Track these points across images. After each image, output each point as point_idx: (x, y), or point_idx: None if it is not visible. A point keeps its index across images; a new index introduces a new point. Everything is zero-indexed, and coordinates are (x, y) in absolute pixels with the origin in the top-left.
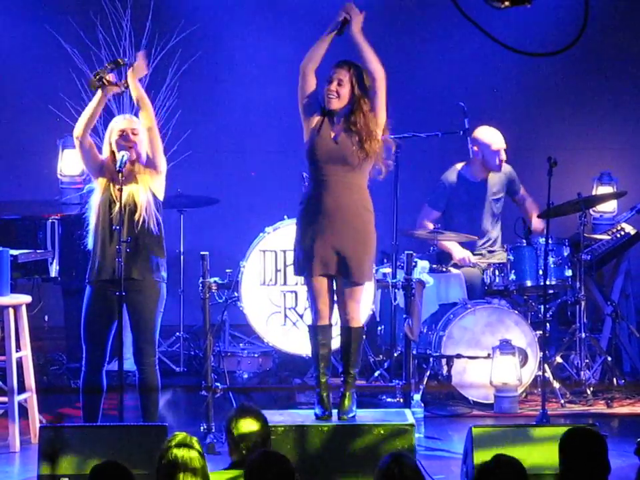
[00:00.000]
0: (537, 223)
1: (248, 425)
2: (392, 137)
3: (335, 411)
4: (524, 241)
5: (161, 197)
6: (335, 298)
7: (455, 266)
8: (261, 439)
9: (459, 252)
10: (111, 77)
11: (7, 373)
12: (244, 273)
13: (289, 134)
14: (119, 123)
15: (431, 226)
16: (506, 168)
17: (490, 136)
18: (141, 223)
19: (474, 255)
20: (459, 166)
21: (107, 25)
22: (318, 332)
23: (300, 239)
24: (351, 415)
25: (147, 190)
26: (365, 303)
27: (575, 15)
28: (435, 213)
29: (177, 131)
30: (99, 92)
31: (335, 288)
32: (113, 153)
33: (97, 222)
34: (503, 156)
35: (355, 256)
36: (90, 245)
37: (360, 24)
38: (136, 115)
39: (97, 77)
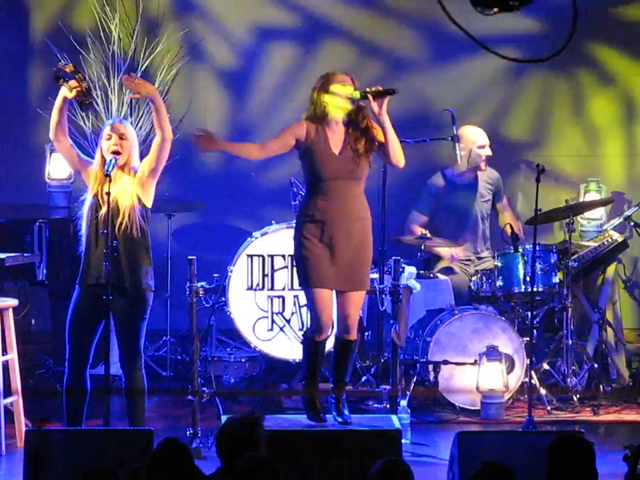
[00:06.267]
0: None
1: (237, 430)
2: None
3: (329, 416)
4: (512, 247)
5: (148, 203)
6: (336, 310)
7: (443, 271)
8: (250, 443)
9: (446, 250)
10: (68, 68)
11: None
12: (231, 277)
13: None
14: (107, 127)
15: (419, 231)
16: (493, 173)
17: (473, 133)
18: (123, 227)
19: (462, 260)
20: (446, 170)
21: (95, 29)
22: (319, 346)
23: (307, 251)
24: (349, 419)
25: (132, 195)
26: None
27: (563, 20)
28: (423, 218)
29: None
30: (61, 90)
31: (338, 300)
32: (103, 157)
33: (86, 226)
34: (489, 151)
35: (363, 265)
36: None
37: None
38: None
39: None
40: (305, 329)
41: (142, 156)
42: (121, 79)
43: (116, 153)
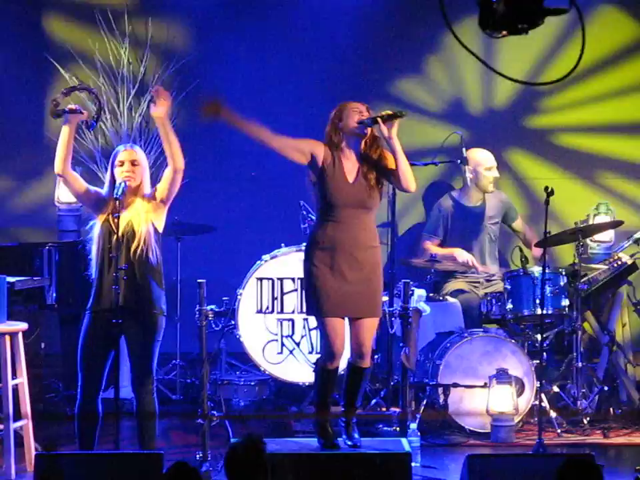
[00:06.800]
0: (535, 252)
1: (245, 455)
2: None
3: (339, 440)
4: (521, 270)
5: (160, 229)
6: (350, 338)
7: (453, 292)
8: (259, 469)
9: (461, 254)
10: (70, 103)
11: (3, 400)
12: (241, 300)
13: (286, 162)
14: (119, 153)
15: (431, 249)
16: (502, 195)
17: (481, 155)
18: (139, 252)
19: (471, 283)
20: (454, 192)
21: (105, 53)
22: (331, 374)
23: (317, 280)
24: (359, 442)
25: (147, 220)
26: None
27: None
28: (435, 240)
29: None
30: (66, 119)
31: (351, 327)
32: (114, 182)
33: (97, 252)
34: (496, 173)
35: (375, 291)
36: (93, 275)
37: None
38: (134, 145)
39: (53, 102)
40: (317, 358)
41: (152, 179)
42: (130, 102)
43: (128, 179)
